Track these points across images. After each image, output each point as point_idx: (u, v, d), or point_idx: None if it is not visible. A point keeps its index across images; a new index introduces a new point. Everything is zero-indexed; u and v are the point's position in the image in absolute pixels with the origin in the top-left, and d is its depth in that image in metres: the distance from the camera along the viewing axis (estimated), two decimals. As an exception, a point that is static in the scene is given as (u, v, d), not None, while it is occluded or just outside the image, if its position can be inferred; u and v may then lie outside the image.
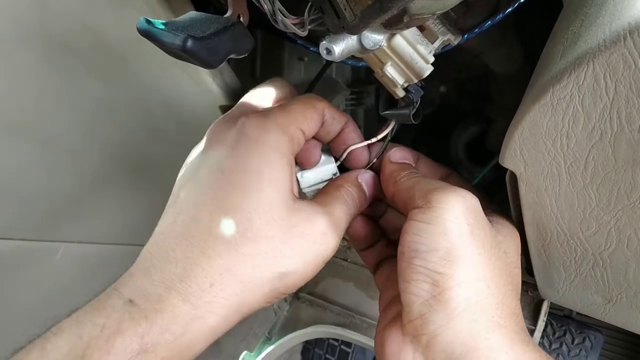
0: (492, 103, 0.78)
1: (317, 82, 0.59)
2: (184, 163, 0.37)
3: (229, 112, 0.39)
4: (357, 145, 0.42)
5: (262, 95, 0.40)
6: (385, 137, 0.43)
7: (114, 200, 0.72)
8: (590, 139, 0.29)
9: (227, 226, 0.32)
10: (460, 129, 0.88)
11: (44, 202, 0.64)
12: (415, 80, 0.37)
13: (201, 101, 0.47)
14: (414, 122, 0.42)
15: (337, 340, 1.35)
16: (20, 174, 0.59)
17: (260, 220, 0.32)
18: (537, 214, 0.37)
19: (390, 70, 0.37)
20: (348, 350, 1.34)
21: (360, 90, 0.71)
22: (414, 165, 0.43)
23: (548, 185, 0.34)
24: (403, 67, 0.36)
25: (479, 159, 0.85)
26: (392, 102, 0.45)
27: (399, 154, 0.42)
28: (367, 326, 0.63)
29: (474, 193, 0.35)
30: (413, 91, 0.40)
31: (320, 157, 0.43)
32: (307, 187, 0.43)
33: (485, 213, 0.36)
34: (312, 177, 0.43)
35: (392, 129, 0.43)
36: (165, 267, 0.31)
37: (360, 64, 0.45)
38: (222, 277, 0.31)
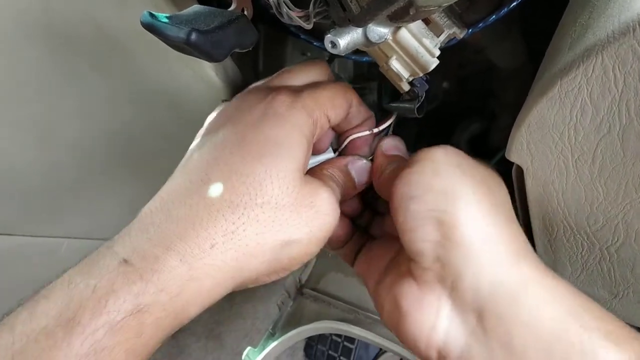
0: (496, 99, 0.78)
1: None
2: (205, 121, 0.38)
3: (262, 82, 0.39)
4: (356, 135, 0.42)
5: (298, 74, 0.40)
6: (387, 128, 0.43)
7: (117, 196, 0.72)
8: (598, 132, 0.29)
9: (237, 189, 0.32)
10: (463, 125, 0.88)
11: (46, 198, 0.64)
12: (421, 74, 0.37)
13: (204, 95, 0.47)
14: (417, 115, 0.42)
15: (340, 336, 1.35)
16: (23, 169, 0.59)
17: (272, 188, 0.32)
18: (543, 208, 0.36)
19: (396, 64, 0.37)
20: (351, 346, 1.34)
21: (363, 86, 0.71)
22: (405, 156, 0.42)
23: (555, 179, 0.33)
24: (408, 60, 0.36)
25: (481, 155, 0.85)
26: (395, 95, 0.45)
27: (390, 143, 0.42)
28: (371, 322, 0.63)
29: None
30: (418, 85, 0.40)
31: (329, 146, 0.43)
32: None
33: None
34: (310, 163, 0.43)
35: (393, 121, 0.43)
36: (165, 225, 0.31)
37: (364, 59, 0.45)
38: (224, 239, 0.30)
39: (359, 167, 0.41)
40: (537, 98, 0.29)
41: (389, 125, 0.43)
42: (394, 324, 0.34)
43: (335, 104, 0.37)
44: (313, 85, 0.38)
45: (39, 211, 0.65)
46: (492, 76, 0.73)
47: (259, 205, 0.32)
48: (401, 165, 0.37)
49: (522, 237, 0.32)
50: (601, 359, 0.27)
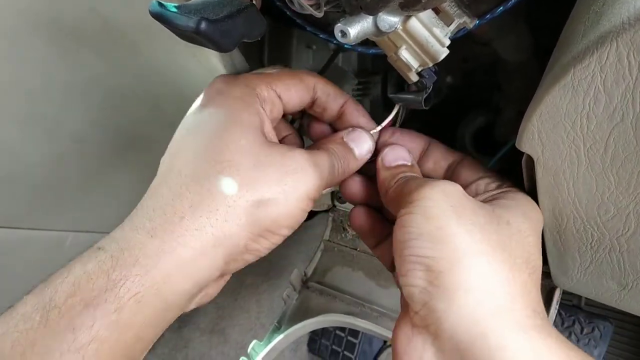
0: (501, 92, 0.78)
1: (326, 71, 0.59)
2: None
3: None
4: (373, 132, 0.42)
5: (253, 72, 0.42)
6: (393, 120, 0.43)
7: (122, 189, 0.72)
8: (611, 121, 0.28)
9: (195, 163, 0.34)
10: (467, 119, 0.88)
11: (52, 191, 0.64)
12: (431, 64, 0.37)
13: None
14: (424, 107, 0.42)
15: (343, 331, 1.36)
16: (28, 163, 0.59)
17: (230, 152, 0.33)
18: (553, 198, 0.36)
19: (405, 54, 0.36)
20: (355, 341, 1.34)
21: (367, 80, 0.71)
22: (410, 162, 0.41)
23: (566, 169, 0.33)
24: (418, 50, 0.36)
25: (486, 149, 0.85)
26: (400, 86, 0.44)
27: (391, 155, 0.41)
28: (377, 315, 0.63)
29: (487, 174, 0.37)
30: (427, 76, 0.39)
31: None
32: None
33: (492, 192, 0.37)
34: None
35: (398, 113, 0.43)
36: (136, 217, 0.33)
37: (370, 51, 0.44)
38: (192, 208, 0.32)
39: (355, 137, 0.41)
40: (549, 86, 0.29)
41: (396, 117, 0.43)
42: (394, 354, 0.34)
43: (285, 81, 0.39)
44: None
45: (45, 205, 0.65)
46: (497, 70, 0.73)
47: (219, 171, 0.33)
48: (407, 180, 0.38)
49: (524, 276, 0.31)
50: None
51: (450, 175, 0.42)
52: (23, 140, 0.56)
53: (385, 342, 1.37)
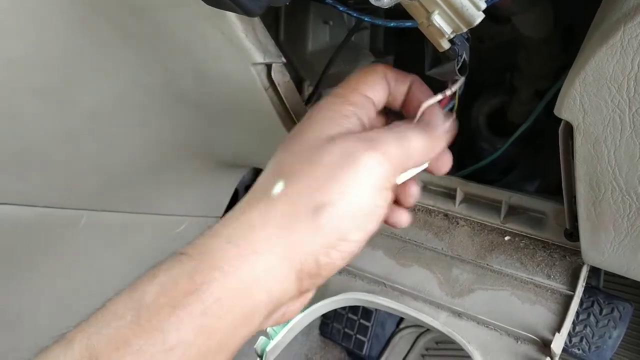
0: (518, 72, 0.77)
1: (344, 46, 0.58)
2: None
3: None
4: (431, 101, 0.39)
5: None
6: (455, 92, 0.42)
7: (137, 168, 0.71)
8: (661, 82, 0.27)
9: (265, 176, 0.35)
10: (481, 100, 0.87)
11: (67, 169, 0.64)
12: (465, 29, 0.35)
13: (234, 60, 0.46)
14: (460, 76, 0.40)
15: (356, 314, 1.35)
16: (42, 139, 0.58)
17: (301, 164, 0.34)
18: (591, 168, 0.35)
19: (438, 19, 0.35)
20: (367, 324, 1.34)
21: (378, 61, 0.69)
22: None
23: (608, 136, 0.32)
24: (452, 14, 0.34)
25: (499, 130, 0.84)
26: (436, 62, 0.43)
27: None
28: (398, 293, 0.62)
29: None
30: (459, 43, 0.38)
31: None
32: None
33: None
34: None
35: (462, 83, 0.41)
36: (216, 224, 0.33)
37: (391, 24, 0.43)
38: (260, 217, 0.32)
39: (427, 112, 0.39)
40: (595, 47, 0.28)
41: (459, 88, 0.42)
42: None
43: (368, 81, 0.38)
44: None
45: (60, 183, 0.65)
46: (515, 48, 0.72)
47: (287, 180, 0.33)
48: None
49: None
50: None
51: None
52: (35, 115, 0.55)
53: (398, 325, 1.37)
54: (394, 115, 0.42)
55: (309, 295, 0.37)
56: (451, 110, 0.43)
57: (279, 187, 0.33)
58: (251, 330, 0.32)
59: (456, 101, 0.42)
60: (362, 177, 0.32)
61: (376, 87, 0.38)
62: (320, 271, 0.33)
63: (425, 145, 0.36)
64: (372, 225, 0.34)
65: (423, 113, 0.38)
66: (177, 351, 0.28)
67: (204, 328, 0.29)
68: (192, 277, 0.29)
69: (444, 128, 0.38)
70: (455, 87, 0.40)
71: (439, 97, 0.40)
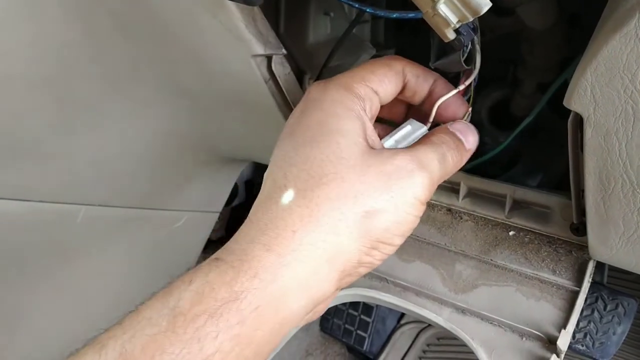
0: (521, 64, 0.76)
1: (346, 38, 0.57)
2: None
3: None
4: (444, 98, 0.39)
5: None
6: (469, 85, 0.41)
7: (135, 162, 0.70)
8: (677, 71, 0.26)
9: (300, 178, 0.33)
10: (483, 93, 0.86)
11: (64, 163, 0.63)
12: (471, 19, 0.34)
13: (233, 51, 0.45)
14: (465, 67, 0.39)
15: (356, 309, 1.35)
16: (38, 132, 0.57)
17: (333, 165, 0.33)
18: (601, 161, 0.34)
19: (444, 8, 0.34)
20: (368, 320, 1.33)
21: (379, 54, 0.68)
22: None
23: (619, 128, 0.31)
24: (458, 3, 0.34)
25: (503, 123, 0.83)
26: (442, 53, 0.42)
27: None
28: (400, 289, 0.61)
29: None
30: (464, 33, 0.37)
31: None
32: None
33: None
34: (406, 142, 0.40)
35: (476, 76, 0.41)
36: (247, 230, 0.33)
37: (394, 15, 0.42)
38: (303, 222, 0.31)
39: (461, 128, 0.39)
40: (608, 35, 0.27)
41: (473, 80, 0.41)
42: None
43: (378, 74, 0.37)
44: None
45: (55, 176, 0.64)
46: (518, 41, 0.70)
47: (326, 184, 0.32)
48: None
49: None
50: None
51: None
52: (32, 107, 0.54)
53: (399, 321, 1.36)
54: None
55: (338, 291, 0.37)
56: (467, 101, 0.42)
57: (316, 189, 0.32)
58: (285, 334, 0.32)
59: (472, 93, 0.41)
60: (413, 191, 0.34)
61: (385, 80, 0.38)
62: (359, 269, 0.34)
63: (459, 162, 0.38)
64: (409, 232, 0.35)
65: (453, 122, 0.40)
66: None
67: (241, 337, 0.29)
68: (230, 285, 0.29)
69: (473, 141, 0.40)
70: (469, 80, 0.40)
71: (454, 92, 0.40)
